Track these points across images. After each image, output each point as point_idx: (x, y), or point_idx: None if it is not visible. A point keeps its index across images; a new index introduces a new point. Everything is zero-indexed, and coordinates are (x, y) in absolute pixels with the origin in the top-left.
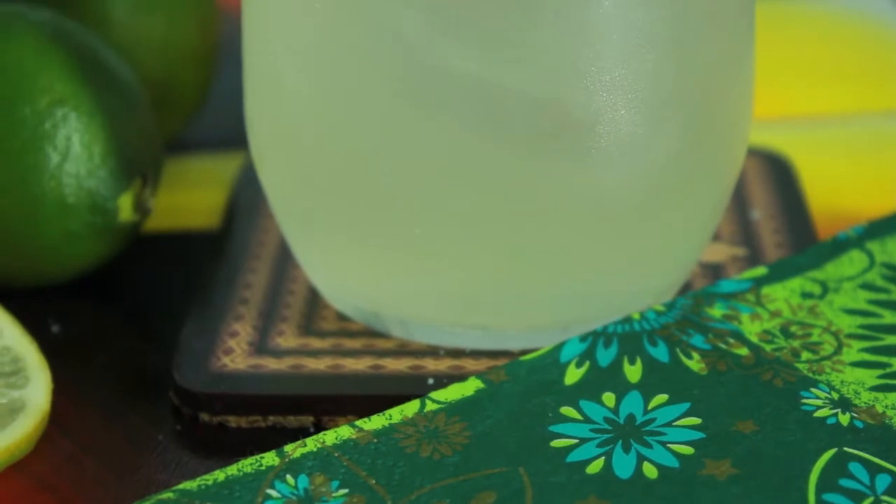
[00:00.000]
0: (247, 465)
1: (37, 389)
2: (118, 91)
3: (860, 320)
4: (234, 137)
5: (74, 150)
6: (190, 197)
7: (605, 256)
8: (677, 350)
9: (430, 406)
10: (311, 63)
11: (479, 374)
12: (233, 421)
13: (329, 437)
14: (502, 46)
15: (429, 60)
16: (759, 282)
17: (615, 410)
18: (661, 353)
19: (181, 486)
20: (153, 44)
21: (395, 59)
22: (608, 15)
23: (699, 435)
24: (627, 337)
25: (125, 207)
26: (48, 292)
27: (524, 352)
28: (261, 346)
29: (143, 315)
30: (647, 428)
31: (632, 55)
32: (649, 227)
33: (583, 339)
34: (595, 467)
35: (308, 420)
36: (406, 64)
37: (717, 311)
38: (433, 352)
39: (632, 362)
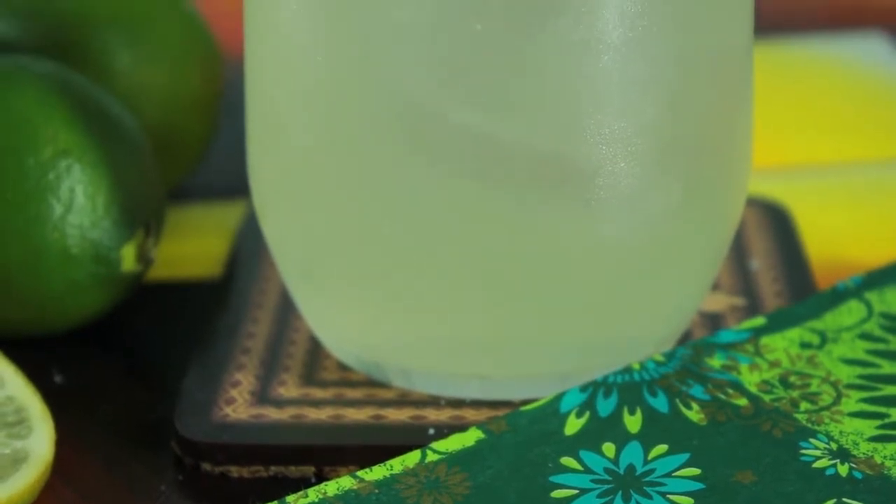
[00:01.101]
0: None
1: (40, 440)
2: (122, 142)
3: (859, 370)
4: (236, 185)
5: (78, 202)
6: (192, 245)
7: (605, 306)
8: (677, 400)
9: (431, 456)
10: (313, 115)
11: (479, 425)
12: (235, 471)
13: (330, 487)
14: (503, 99)
15: (430, 113)
16: (757, 332)
17: (615, 461)
18: (660, 403)
19: None
20: (156, 93)
21: (396, 112)
22: (608, 69)
23: (699, 485)
24: (627, 387)
25: (128, 258)
26: (51, 342)
27: (525, 402)
28: (262, 396)
29: (145, 364)
30: (647, 478)
31: (631, 108)
32: (649, 277)
33: (583, 389)
34: None
35: (310, 470)
36: (408, 116)
37: (716, 362)
38: (434, 402)
39: (632, 412)
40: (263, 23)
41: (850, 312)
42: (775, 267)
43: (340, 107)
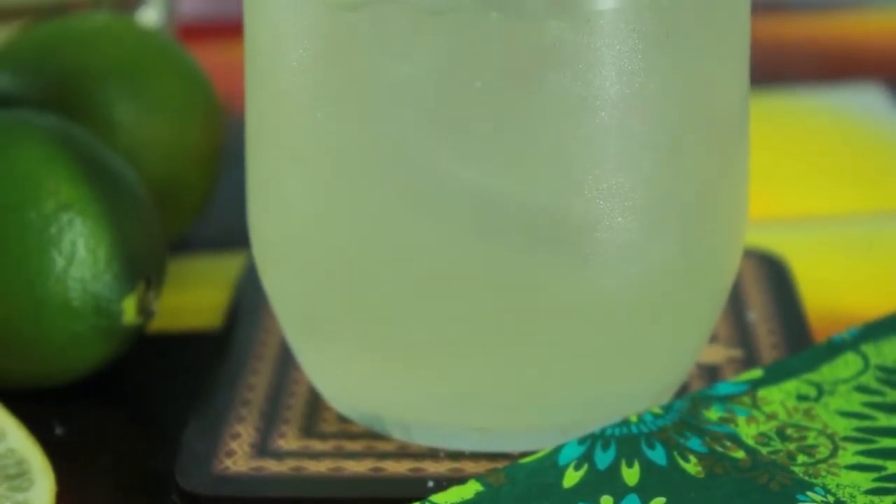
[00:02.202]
0: None
1: (41, 492)
2: (123, 195)
3: (855, 423)
4: (236, 236)
5: (80, 255)
6: (193, 297)
7: (603, 359)
8: (675, 453)
9: None
10: (312, 171)
11: (478, 477)
12: None
13: None
14: (501, 155)
15: (430, 169)
16: (755, 384)
17: None
18: (658, 456)
19: None
20: (158, 146)
21: (396, 168)
22: (605, 124)
23: None
24: (625, 440)
25: (129, 310)
26: (52, 394)
27: (523, 454)
28: (262, 448)
29: (146, 416)
30: None
31: (628, 163)
32: (647, 329)
33: (581, 441)
34: None
35: None
36: (407, 172)
37: (713, 414)
38: (433, 454)
39: (630, 465)
40: (263, 80)
41: (846, 365)
42: (772, 319)
43: (339, 163)
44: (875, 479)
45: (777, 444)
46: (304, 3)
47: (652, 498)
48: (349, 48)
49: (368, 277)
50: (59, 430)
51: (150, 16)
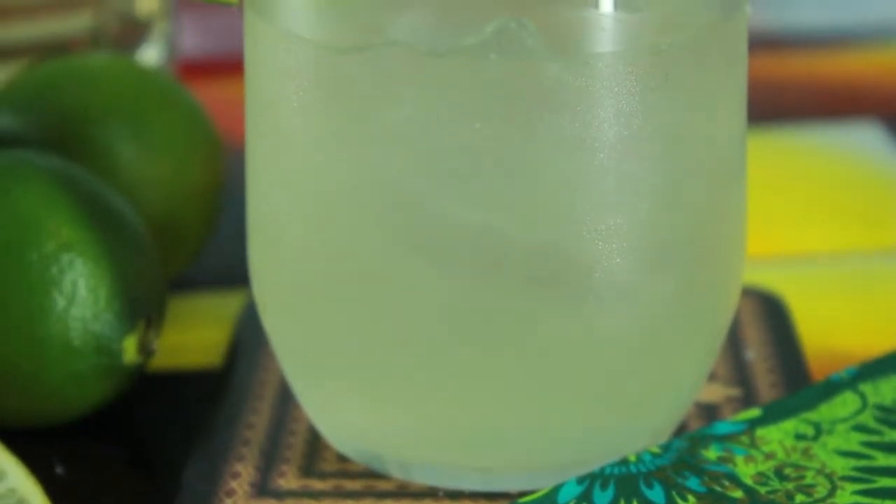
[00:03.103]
0: None
1: None
2: (124, 235)
3: (853, 462)
4: (236, 275)
5: (80, 295)
6: (192, 335)
7: (601, 399)
8: (673, 492)
9: None
10: (312, 213)
11: None
12: None
13: None
14: (500, 196)
15: (428, 211)
16: (753, 423)
17: None
18: (657, 495)
19: None
20: (159, 185)
21: (394, 208)
22: (603, 166)
23: None
24: (624, 479)
25: (129, 349)
26: (52, 433)
27: (522, 493)
28: (262, 488)
29: (146, 455)
30: None
31: (626, 204)
32: (645, 369)
33: (580, 480)
34: None
35: None
36: (405, 213)
37: (712, 454)
38: (432, 493)
39: None
40: (264, 121)
41: (844, 404)
42: (770, 357)
43: (339, 204)
44: None
45: (775, 484)
46: (304, 45)
47: None
48: (349, 90)
49: (368, 317)
50: (59, 469)
51: (150, 54)
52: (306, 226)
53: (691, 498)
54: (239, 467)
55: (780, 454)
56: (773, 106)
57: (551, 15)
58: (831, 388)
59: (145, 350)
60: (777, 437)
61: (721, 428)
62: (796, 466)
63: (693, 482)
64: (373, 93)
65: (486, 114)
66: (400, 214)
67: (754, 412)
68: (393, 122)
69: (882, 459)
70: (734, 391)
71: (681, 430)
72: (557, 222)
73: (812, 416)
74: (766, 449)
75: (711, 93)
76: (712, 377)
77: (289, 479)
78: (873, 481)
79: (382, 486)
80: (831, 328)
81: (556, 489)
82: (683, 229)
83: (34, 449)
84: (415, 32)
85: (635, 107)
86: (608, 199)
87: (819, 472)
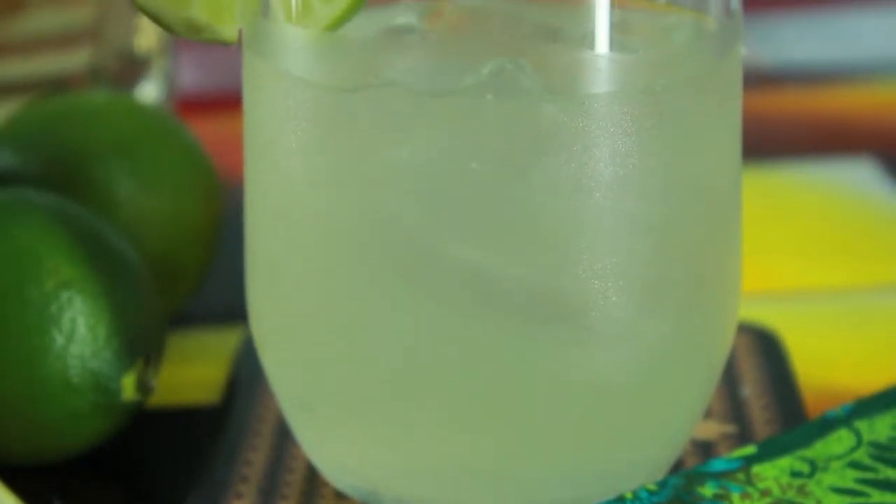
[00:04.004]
0: None
1: None
2: (123, 273)
3: (848, 499)
4: (234, 311)
5: (79, 333)
6: (190, 371)
7: (598, 436)
8: None
9: None
10: (311, 250)
11: None
12: None
13: None
14: (497, 235)
15: (426, 249)
16: (748, 461)
17: None
18: None
19: None
20: (157, 223)
21: (393, 247)
22: (599, 205)
23: None
24: None
25: (128, 387)
26: (51, 470)
27: None
28: None
29: (144, 492)
30: None
31: (622, 243)
32: (641, 406)
33: None
34: None
35: None
36: (404, 252)
37: (708, 491)
38: None
39: None
40: (262, 159)
41: (839, 441)
42: (766, 394)
43: (337, 242)
44: None
45: None
46: (303, 84)
47: None
48: (347, 129)
49: (366, 355)
50: None
51: (149, 90)
52: (304, 264)
53: None
54: None
55: (776, 491)
56: (767, 142)
57: (548, 56)
58: (827, 425)
59: (144, 388)
60: (773, 474)
61: (717, 465)
62: (792, 503)
63: None
64: (371, 132)
65: (483, 153)
66: (398, 253)
67: (750, 449)
68: (391, 161)
69: (877, 496)
70: (730, 428)
71: (677, 468)
72: (554, 261)
73: (807, 453)
74: (761, 486)
75: (706, 131)
76: (708, 414)
77: None
78: None
79: None
80: (827, 364)
81: None
82: (679, 267)
83: (33, 486)
84: (413, 73)
85: (631, 146)
86: (604, 238)
87: None
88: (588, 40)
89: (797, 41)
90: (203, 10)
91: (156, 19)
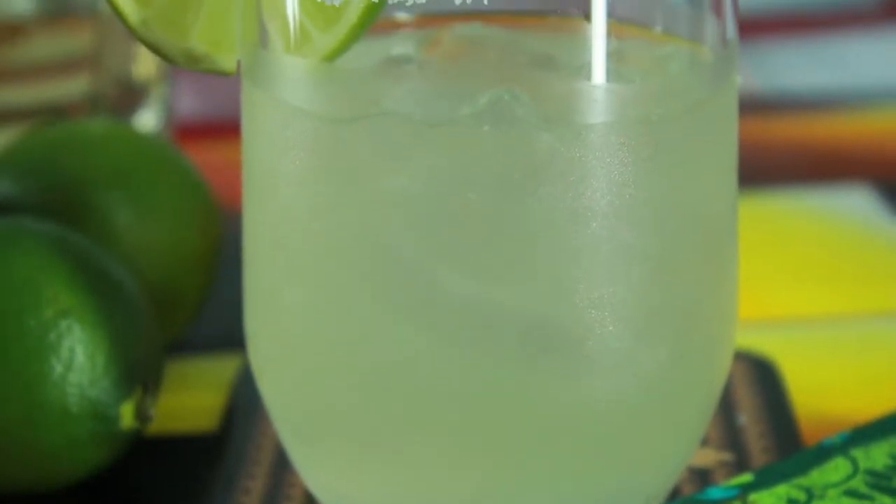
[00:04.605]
0: None
1: None
2: (121, 301)
3: None
4: (232, 338)
5: (78, 361)
6: (189, 399)
7: (595, 464)
8: None
9: None
10: (309, 280)
11: None
12: None
13: None
14: (494, 265)
15: (424, 279)
16: (745, 489)
17: None
18: None
19: None
20: (156, 251)
21: (390, 277)
22: (596, 235)
23: None
24: None
25: (126, 415)
26: (49, 498)
27: None
28: None
29: None
30: None
31: (619, 273)
32: (638, 435)
33: None
34: None
35: None
36: (401, 281)
37: None
38: None
39: None
40: (260, 190)
41: (836, 469)
42: (763, 422)
43: (335, 272)
44: None
45: None
46: (302, 114)
47: None
48: (345, 160)
49: (363, 385)
50: None
51: (148, 118)
52: (302, 292)
53: None
54: None
55: None
56: (763, 169)
57: (544, 86)
58: (823, 453)
59: (142, 416)
60: (769, 501)
61: (714, 493)
62: None
63: None
64: (369, 162)
65: (480, 183)
66: (395, 282)
67: (746, 477)
68: (388, 190)
69: None
70: (726, 456)
71: (673, 495)
72: (550, 291)
73: (804, 481)
74: None
75: (702, 161)
76: (705, 441)
77: None
78: None
79: None
80: (823, 392)
81: None
82: (676, 296)
83: None
84: (410, 103)
85: (627, 176)
86: (601, 268)
87: None
88: (584, 70)
89: (793, 68)
90: (202, 40)
91: (155, 50)
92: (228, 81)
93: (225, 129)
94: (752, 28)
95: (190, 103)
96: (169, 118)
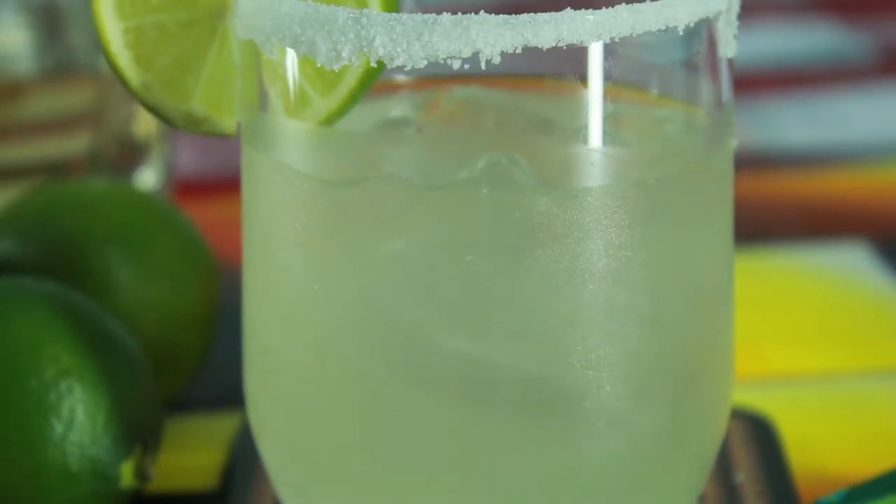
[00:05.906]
0: None
1: None
2: (121, 360)
3: None
4: (231, 396)
5: (78, 421)
6: (188, 457)
7: None
8: None
9: None
10: (307, 340)
11: None
12: None
13: None
14: (492, 326)
15: (422, 340)
16: None
17: None
18: None
19: None
20: (155, 309)
21: (389, 338)
22: (592, 296)
23: None
24: None
25: (126, 474)
26: None
27: None
28: None
29: None
30: None
31: (616, 333)
32: (635, 495)
33: None
34: None
35: None
36: (399, 342)
37: None
38: None
39: None
40: (260, 250)
41: None
42: (760, 480)
43: (334, 333)
44: None
45: None
46: (301, 177)
47: None
48: (344, 222)
49: (362, 444)
50: None
51: (147, 176)
52: (301, 352)
53: None
54: None
55: None
56: (759, 226)
57: (541, 150)
58: None
59: (142, 475)
60: None
61: None
62: None
63: None
64: (368, 225)
65: (478, 246)
66: (394, 342)
67: None
68: (387, 253)
69: None
70: None
71: None
72: (548, 352)
73: None
74: None
75: (699, 222)
76: (702, 500)
77: None
78: None
79: None
80: (820, 450)
81: None
82: (673, 356)
83: None
84: (409, 167)
85: (624, 239)
86: (598, 330)
87: None
88: (581, 134)
89: (789, 125)
90: (202, 103)
91: (155, 112)
92: (228, 139)
93: (225, 185)
94: (749, 85)
95: (190, 160)
96: (169, 176)
